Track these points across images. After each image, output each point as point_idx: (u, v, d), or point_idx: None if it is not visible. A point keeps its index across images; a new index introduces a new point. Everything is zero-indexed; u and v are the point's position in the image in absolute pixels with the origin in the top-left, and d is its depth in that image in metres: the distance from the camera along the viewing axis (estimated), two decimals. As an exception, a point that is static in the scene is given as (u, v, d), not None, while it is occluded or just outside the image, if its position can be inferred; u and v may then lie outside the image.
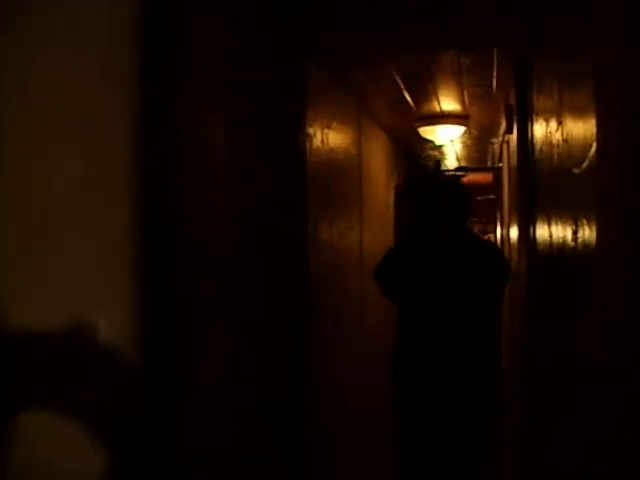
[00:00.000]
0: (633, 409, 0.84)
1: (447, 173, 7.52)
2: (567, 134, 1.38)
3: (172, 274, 1.36)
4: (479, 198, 9.97)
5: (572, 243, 1.31)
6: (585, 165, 1.09)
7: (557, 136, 1.56)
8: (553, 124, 1.66)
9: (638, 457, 0.83)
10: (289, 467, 2.33)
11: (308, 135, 2.68)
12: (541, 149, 2.06)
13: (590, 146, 1.04)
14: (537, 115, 2.23)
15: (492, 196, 8.40)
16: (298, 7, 2.34)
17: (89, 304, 1.23)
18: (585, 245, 1.16)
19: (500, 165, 6.27)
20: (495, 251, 3.59)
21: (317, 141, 2.89)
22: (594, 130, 1.02)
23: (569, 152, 1.34)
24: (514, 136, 3.36)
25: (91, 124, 1.24)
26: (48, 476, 1.24)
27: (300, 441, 2.44)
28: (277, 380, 2.18)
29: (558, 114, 1.55)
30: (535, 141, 2.31)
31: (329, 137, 3.14)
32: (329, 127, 3.15)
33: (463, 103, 4.03)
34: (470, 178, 7.80)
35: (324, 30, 2.60)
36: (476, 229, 11.84)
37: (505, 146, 5.00)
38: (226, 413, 1.67)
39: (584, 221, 1.16)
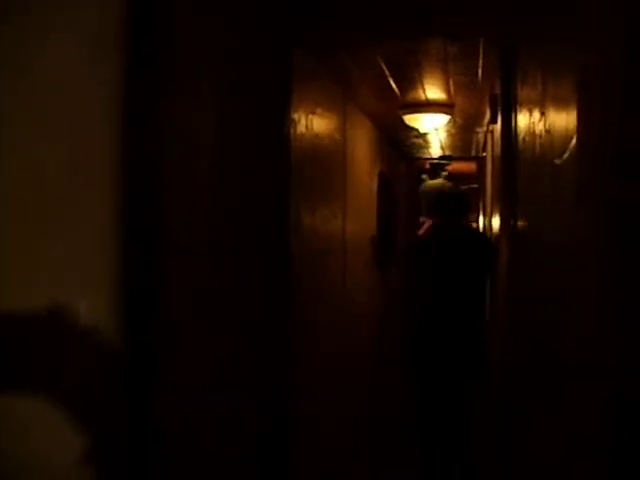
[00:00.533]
0: (612, 404, 0.85)
1: (433, 161, 7.56)
2: (550, 125, 1.39)
3: (154, 267, 1.37)
4: (462, 187, 9.98)
5: (552, 233, 1.33)
6: (566, 156, 1.10)
7: (540, 127, 1.57)
8: (536, 115, 1.67)
9: (620, 455, 0.84)
10: (272, 467, 2.33)
11: (293, 121, 2.67)
12: (524, 139, 2.07)
13: (571, 137, 1.05)
14: (521, 106, 2.24)
15: (475, 185, 8.43)
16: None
17: (72, 292, 1.25)
18: (565, 236, 1.17)
19: (484, 154, 6.29)
20: (487, 240, 4.46)
21: (302, 127, 2.89)
22: (575, 122, 1.03)
23: (551, 143, 1.35)
24: (498, 126, 3.38)
25: (77, 123, 1.25)
26: (26, 460, 1.24)
27: (284, 439, 2.45)
28: (261, 374, 2.18)
29: (541, 105, 1.57)
30: (519, 131, 2.32)
31: (314, 123, 3.14)
32: (314, 113, 3.15)
33: (448, 92, 4.03)
34: (454, 167, 7.82)
35: (311, 17, 2.59)
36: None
37: (489, 136, 5.03)
38: (204, 407, 1.67)
39: (564, 211, 1.17)
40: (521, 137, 2.20)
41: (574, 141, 1.02)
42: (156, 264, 1.38)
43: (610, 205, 0.83)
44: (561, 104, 1.22)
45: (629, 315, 0.84)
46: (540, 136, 1.56)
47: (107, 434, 1.26)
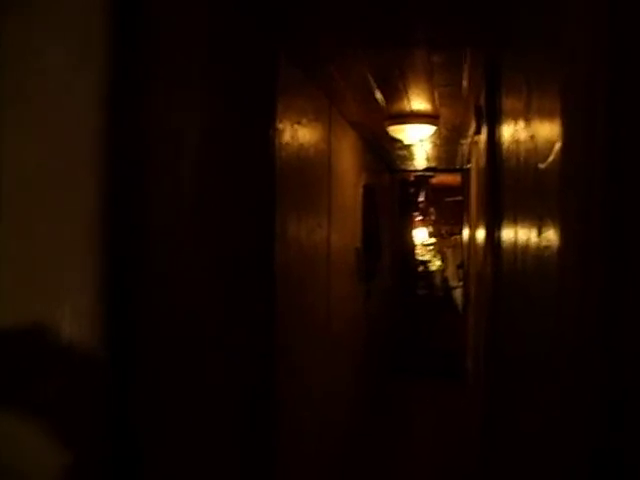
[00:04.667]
0: (591, 413, 0.85)
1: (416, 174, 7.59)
2: (534, 131, 1.40)
3: (137, 275, 1.35)
4: (447, 199, 10.03)
5: (536, 241, 1.33)
6: (550, 159, 1.10)
7: (524, 133, 1.57)
8: (521, 123, 1.67)
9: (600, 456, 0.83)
10: (256, 467, 2.32)
11: (278, 130, 2.67)
12: (508, 148, 2.08)
13: (555, 142, 1.05)
14: (506, 116, 2.25)
15: (460, 197, 8.46)
16: (272, 3, 2.34)
17: (52, 298, 1.22)
18: (548, 242, 1.17)
19: (469, 166, 6.32)
20: None
21: (287, 137, 2.88)
22: (559, 129, 1.03)
23: (535, 148, 1.35)
24: (483, 137, 3.39)
25: (61, 114, 1.23)
26: (9, 473, 1.22)
27: (270, 443, 2.43)
28: (247, 385, 2.17)
29: (526, 113, 1.57)
30: (503, 141, 2.33)
31: (299, 133, 3.13)
32: (299, 123, 3.15)
33: (433, 103, 4.05)
34: (438, 179, 7.85)
35: (297, 26, 2.59)
36: (444, 230, 12.25)
37: (474, 147, 5.04)
38: (187, 416, 1.65)
39: (548, 218, 1.17)
40: (505, 147, 2.21)
41: (558, 145, 1.02)
42: (139, 271, 1.36)
43: (594, 207, 0.83)
44: (545, 110, 1.22)
45: (613, 320, 0.84)
46: (524, 142, 1.57)
47: (88, 448, 1.24)
